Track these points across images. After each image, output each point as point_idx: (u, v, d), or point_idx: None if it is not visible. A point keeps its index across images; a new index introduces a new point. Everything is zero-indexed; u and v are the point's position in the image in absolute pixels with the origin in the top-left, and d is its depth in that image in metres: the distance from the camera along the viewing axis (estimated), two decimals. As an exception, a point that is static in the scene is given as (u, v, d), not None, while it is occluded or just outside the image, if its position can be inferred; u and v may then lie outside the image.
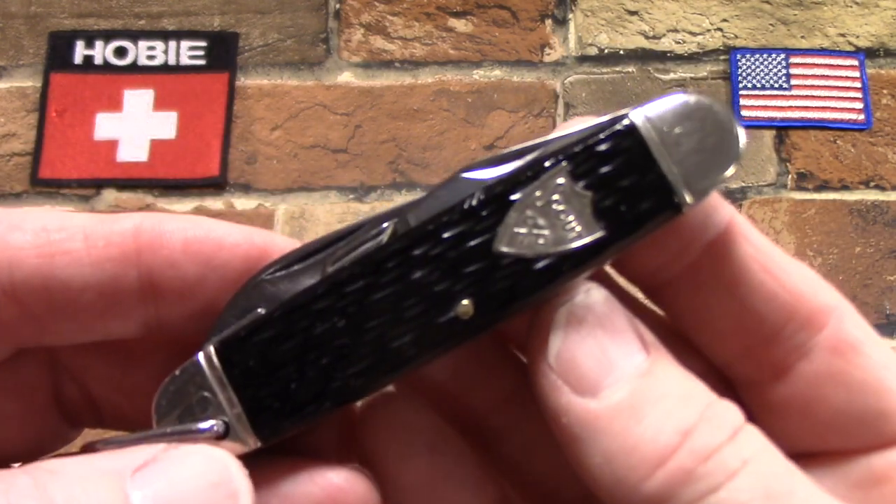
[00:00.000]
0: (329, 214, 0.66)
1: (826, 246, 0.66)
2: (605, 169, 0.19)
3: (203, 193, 0.67)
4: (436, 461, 0.23)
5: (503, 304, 0.19)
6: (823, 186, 0.67)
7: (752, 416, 0.23)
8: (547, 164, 0.19)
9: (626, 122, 0.19)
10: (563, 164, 0.19)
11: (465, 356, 0.23)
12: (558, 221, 0.19)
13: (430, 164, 0.68)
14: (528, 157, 0.20)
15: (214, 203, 0.67)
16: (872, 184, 0.68)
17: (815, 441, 0.22)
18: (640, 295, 0.22)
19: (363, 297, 0.19)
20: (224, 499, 0.18)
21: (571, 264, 0.19)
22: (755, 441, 0.18)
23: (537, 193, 0.19)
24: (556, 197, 0.19)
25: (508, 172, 0.19)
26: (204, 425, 0.19)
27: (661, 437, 0.18)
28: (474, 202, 0.19)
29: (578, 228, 0.19)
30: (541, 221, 0.19)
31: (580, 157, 0.19)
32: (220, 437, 0.19)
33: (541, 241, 0.19)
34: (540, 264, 0.19)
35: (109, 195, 0.67)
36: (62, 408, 0.23)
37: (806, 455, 0.22)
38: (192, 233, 0.20)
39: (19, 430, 0.20)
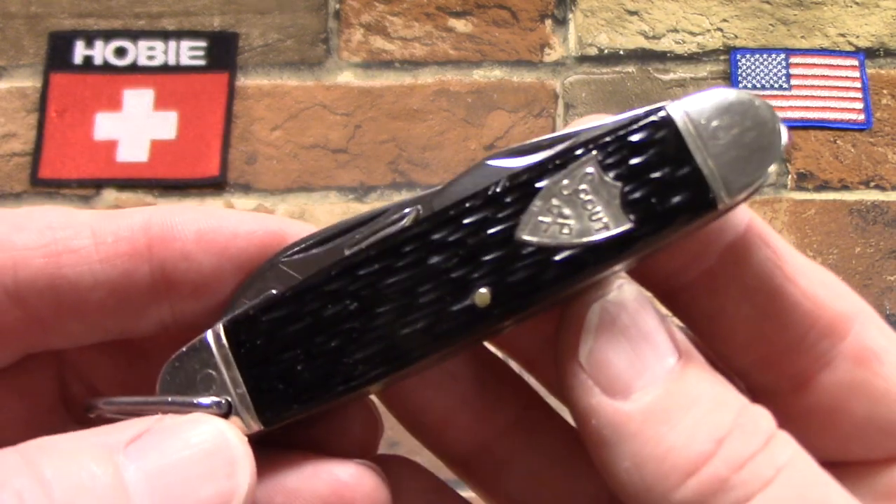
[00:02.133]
0: (329, 214, 0.66)
1: (826, 246, 0.66)
2: (637, 160, 0.18)
3: (203, 193, 0.67)
4: None
5: (522, 294, 0.18)
6: (823, 186, 0.67)
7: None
8: (576, 152, 0.18)
9: (662, 112, 0.18)
10: (594, 153, 0.18)
11: (472, 383, 0.23)
12: (584, 212, 0.18)
13: (430, 164, 0.68)
14: (557, 147, 0.19)
15: (214, 203, 0.67)
16: (872, 184, 0.68)
17: (837, 452, 0.21)
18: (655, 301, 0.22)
19: (377, 280, 0.19)
20: (221, 467, 0.17)
21: (596, 257, 0.18)
22: (788, 448, 0.18)
23: (564, 182, 0.18)
24: (583, 186, 0.18)
25: (535, 161, 0.19)
26: (205, 401, 0.19)
27: (694, 444, 0.17)
28: (498, 188, 0.18)
29: (605, 220, 0.18)
30: (566, 211, 0.18)
31: (611, 146, 0.18)
32: (221, 416, 0.19)
33: (565, 230, 0.18)
34: (562, 255, 0.18)
35: (109, 195, 0.66)
36: (69, 406, 0.22)
37: (827, 465, 0.22)
38: (204, 223, 0.20)
39: (25, 430, 0.19)
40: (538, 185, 0.18)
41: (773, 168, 0.18)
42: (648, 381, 0.18)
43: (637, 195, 0.18)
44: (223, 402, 0.19)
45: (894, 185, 0.67)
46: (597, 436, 0.18)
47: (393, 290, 0.19)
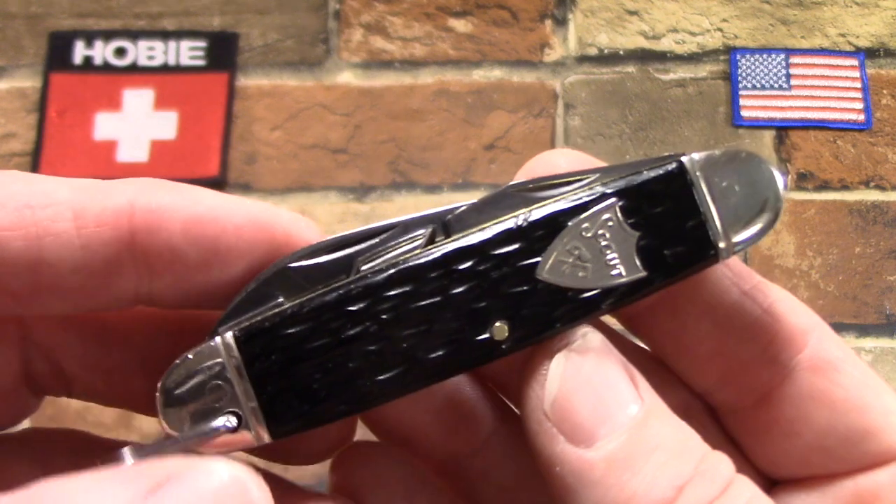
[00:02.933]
0: (329, 215, 0.66)
1: (826, 246, 0.66)
2: (652, 210, 0.19)
3: (203, 193, 0.67)
4: None
5: (538, 330, 0.19)
6: (823, 186, 0.67)
7: (737, 443, 0.23)
8: (597, 196, 0.19)
9: (676, 166, 0.19)
10: (613, 199, 0.19)
11: (445, 396, 0.23)
12: (602, 256, 0.19)
13: (430, 165, 0.68)
14: (577, 184, 0.20)
15: (214, 203, 0.67)
16: (872, 184, 0.67)
17: (800, 464, 0.22)
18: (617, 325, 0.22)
19: (401, 304, 0.19)
20: None
21: (610, 300, 0.19)
22: (747, 492, 0.18)
23: (585, 225, 0.19)
24: (602, 231, 0.19)
25: (558, 199, 0.19)
26: (216, 424, 0.19)
27: (655, 491, 0.17)
28: (523, 224, 0.19)
29: (621, 266, 0.19)
30: (586, 254, 0.19)
31: (629, 194, 0.19)
32: (230, 432, 0.19)
33: (582, 273, 0.19)
34: (580, 297, 0.19)
35: (109, 195, 0.67)
36: (29, 382, 0.22)
37: (793, 480, 0.22)
38: (192, 211, 0.19)
39: None
40: (561, 224, 0.19)
41: (770, 230, 0.20)
42: (611, 428, 0.18)
43: (650, 245, 0.19)
44: (232, 418, 0.19)
45: (894, 185, 0.67)
46: (561, 483, 0.18)
47: (414, 316, 0.19)
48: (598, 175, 0.20)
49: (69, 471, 0.20)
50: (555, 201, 0.19)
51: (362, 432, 0.24)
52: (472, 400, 0.23)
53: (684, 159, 0.19)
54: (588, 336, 0.19)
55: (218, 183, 0.67)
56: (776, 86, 0.69)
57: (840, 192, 0.67)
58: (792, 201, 0.67)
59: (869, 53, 0.70)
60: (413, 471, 0.23)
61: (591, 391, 0.19)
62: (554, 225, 0.19)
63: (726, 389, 0.22)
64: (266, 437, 0.19)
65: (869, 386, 0.21)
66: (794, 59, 0.70)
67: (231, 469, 0.17)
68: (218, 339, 0.19)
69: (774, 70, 0.70)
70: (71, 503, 0.15)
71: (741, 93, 0.69)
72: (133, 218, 0.18)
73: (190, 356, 0.19)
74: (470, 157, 0.68)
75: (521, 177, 0.21)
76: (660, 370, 0.24)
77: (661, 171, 0.19)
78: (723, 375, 0.22)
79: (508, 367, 0.21)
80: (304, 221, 0.20)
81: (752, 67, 0.70)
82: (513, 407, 0.24)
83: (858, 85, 0.69)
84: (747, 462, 0.23)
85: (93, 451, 0.23)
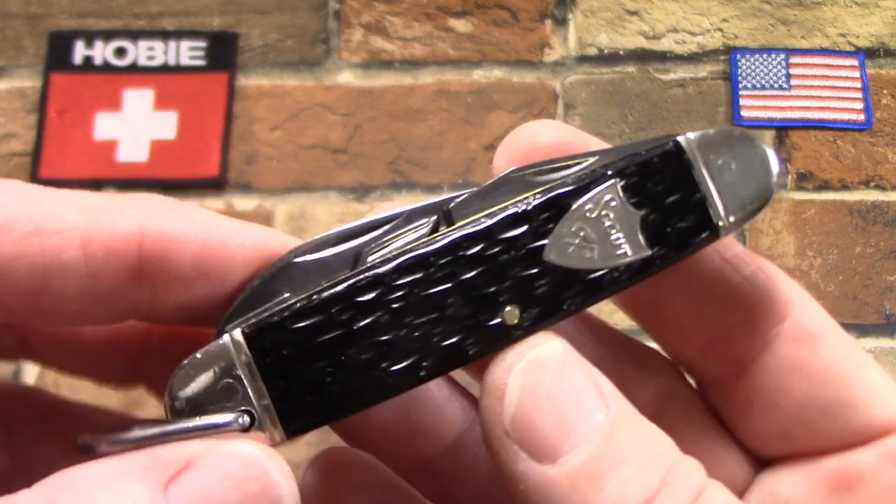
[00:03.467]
0: (329, 215, 0.66)
1: (826, 246, 0.66)
2: (652, 188, 0.19)
3: (203, 193, 0.67)
4: None
5: (548, 313, 0.19)
6: (823, 186, 0.67)
7: (721, 417, 0.23)
8: (600, 176, 0.19)
9: (673, 145, 0.20)
10: (615, 179, 0.19)
11: (409, 397, 0.23)
12: (607, 236, 0.19)
13: (430, 165, 0.68)
14: (578, 167, 0.20)
15: (214, 203, 0.67)
16: (872, 184, 0.67)
17: (783, 439, 0.21)
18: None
19: (411, 293, 0.19)
20: None
21: (618, 280, 0.19)
22: (718, 500, 0.18)
23: (588, 206, 0.19)
24: (605, 211, 0.19)
25: (560, 181, 0.20)
26: (226, 418, 0.18)
27: None
28: (528, 207, 0.19)
29: (626, 245, 0.19)
30: (591, 235, 0.19)
31: (630, 173, 0.19)
32: (243, 430, 0.18)
33: (588, 254, 0.19)
34: (588, 277, 0.19)
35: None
36: None
37: (779, 459, 0.22)
38: (203, 242, 0.18)
39: None
40: (565, 206, 0.19)
41: (769, 203, 0.20)
42: (575, 443, 0.17)
43: (652, 223, 0.19)
44: (245, 416, 0.18)
45: (894, 185, 0.67)
46: (526, 501, 0.18)
47: (426, 304, 0.19)
48: (597, 157, 0.20)
49: (36, 439, 0.20)
50: (557, 184, 0.19)
51: (334, 440, 0.23)
52: (438, 399, 0.23)
53: (680, 138, 0.20)
54: (548, 344, 0.19)
55: (218, 183, 0.67)
56: (776, 86, 0.69)
57: (840, 192, 0.67)
58: (792, 201, 0.67)
59: (869, 53, 0.70)
60: (385, 477, 0.23)
61: (553, 405, 0.18)
62: (558, 207, 0.19)
63: (709, 360, 0.22)
64: (279, 437, 0.19)
65: (852, 359, 0.20)
66: (794, 59, 0.70)
67: (251, 449, 0.17)
68: (226, 336, 0.19)
69: (774, 70, 0.70)
70: (90, 499, 0.14)
71: (741, 93, 0.69)
72: (142, 246, 0.18)
73: (198, 356, 0.19)
74: (470, 157, 0.68)
75: (504, 149, 0.21)
76: (642, 355, 0.23)
77: (658, 151, 0.20)
78: (705, 345, 0.21)
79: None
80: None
81: (752, 67, 0.70)
82: None
83: (858, 85, 0.69)
84: (734, 445, 0.23)
85: (59, 416, 0.22)
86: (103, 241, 0.18)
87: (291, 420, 0.19)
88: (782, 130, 0.68)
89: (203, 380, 0.18)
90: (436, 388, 0.23)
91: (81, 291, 0.18)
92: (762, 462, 0.23)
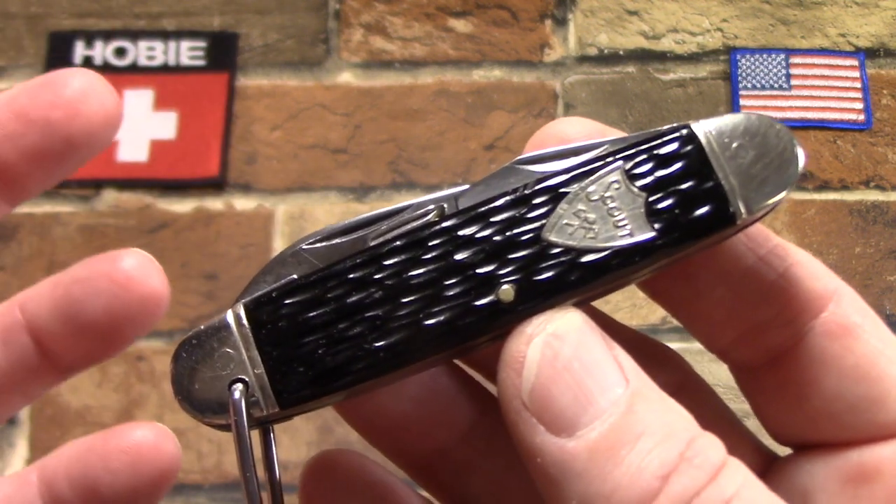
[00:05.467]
0: (329, 215, 0.66)
1: (826, 246, 0.66)
2: (661, 172, 0.19)
3: (203, 193, 0.67)
4: None
5: (546, 293, 0.19)
6: (823, 186, 0.67)
7: (750, 401, 0.23)
8: (604, 161, 0.19)
9: (685, 130, 0.19)
10: (620, 163, 0.19)
11: (424, 385, 0.23)
12: (610, 218, 0.19)
13: (430, 165, 0.68)
14: (586, 155, 0.20)
15: (214, 203, 0.67)
16: (872, 184, 0.68)
17: (810, 430, 0.21)
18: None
19: (403, 270, 0.19)
20: None
21: (619, 262, 0.19)
22: (738, 477, 0.17)
23: (591, 189, 0.19)
24: (609, 194, 0.19)
25: (564, 166, 0.19)
26: (229, 397, 0.19)
27: (640, 482, 0.17)
28: (527, 190, 0.19)
29: (630, 227, 0.19)
30: (592, 216, 0.19)
31: (638, 157, 0.19)
32: (240, 399, 0.19)
33: (590, 234, 0.19)
34: (587, 258, 0.19)
35: (109, 195, 0.67)
36: None
37: (803, 445, 0.22)
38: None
39: None
40: (565, 189, 0.19)
41: (788, 190, 0.19)
42: (593, 416, 0.17)
43: (661, 206, 0.19)
44: (240, 386, 0.19)
45: (894, 185, 0.67)
46: (543, 474, 0.18)
47: (418, 282, 0.19)
48: (606, 145, 0.20)
49: None
50: (560, 169, 0.19)
51: (334, 441, 0.23)
52: (451, 390, 0.23)
53: (694, 125, 0.19)
54: (567, 317, 0.18)
55: (218, 183, 0.67)
56: (776, 86, 0.69)
57: (840, 192, 0.67)
58: (792, 201, 0.67)
59: (869, 53, 0.70)
60: (380, 478, 0.23)
61: (571, 377, 0.18)
62: (559, 190, 0.19)
63: (741, 349, 0.22)
64: (272, 407, 0.19)
65: (883, 354, 0.20)
66: (794, 59, 0.70)
67: None
68: (230, 311, 0.19)
69: (774, 70, 0.70)
70: None
71: (741, 93, 0.69)
72: None
73: (202, 327, 0.20)
74: (470, 157, 0.68)
75: (530, 148, 0.21)
76: (652, 349, 0.23)
77: (670, 136, 0.19)
78: (738, 336, 0.21)
79: (494, 354, 0.20)
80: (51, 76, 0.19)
81: (752, 67, 0.70)
82: (495, 395, 0.23)
83: (858, 85, 0.69)
84: (746, 437, 0.23)
85: None
86: None
87: (283, 390, 0.19)
88: (782, 130, 0.68)
89: (204, 348, 0.19)
90: (448, 379, 0.23)
91: None
92: (772, 457, 0.23)
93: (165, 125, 0.68)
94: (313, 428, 0.59)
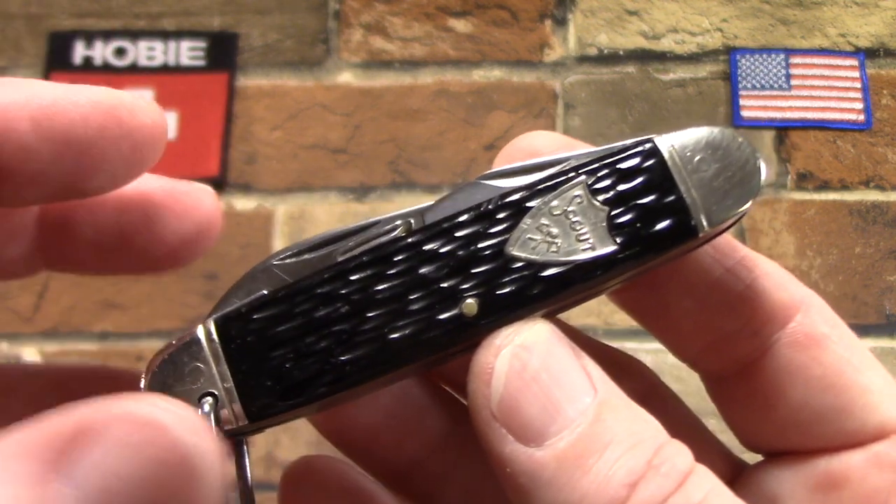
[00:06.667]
0: (329, 215, 0.66)
1: (826, 246, 0.66)
2: (623, 186, 0.19)
3: (203, 193, 0.67)
4: None
5: (508, 307, 0.19)
6: (823, 186, 0.67)
7: (720, 409, 0.23)
8: (566, 176, 0.19)
9: (649, 144, 0.19)
10: (583, 177, 0.19)
11: (395, 397, 0.22)
12: (572, 232, 0.19)
13: (430, 165, 0.68)
14: (548, 171, 0.20)
15: (214, 203, 0.67)
16: (872, 184, 0.68)
17: (779, 438, 0.21)
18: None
19: (368, 285, 0.19)
20: (180, 481, 0.13)
21: (580, 275, 0.19)
22: (705, 484, 0.17)
23: (554, 203, 0.19)
24: (572, 208, 0.19)
25: (527, 182, 0.20)
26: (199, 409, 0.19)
27: (608, 490, 0.17)
28: (491, 206, 0.19)
29: (592, 240, 0.19)
30: (555, 230, 0.19)
31: (600, 171, 0.19)
32: (209, 414, 0.19)
33: (552, 248, 0.19)
34: (549, 271, 0.19)
35: (109, 195, 0.67)
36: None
37: (774, 454, 0.22)
38: (38, 105, 0.18)
39: None
40: (529, 203, 0.19)
41: (750, 203, 0.19)
42: (562, 425, 0.17)
43: (623, 220, 0.19)
44: (210, 399, 0.19)
45: (894, 185, 0.67)
46: (513, 484, 0.18)
47: (383, 296, 0.19)
48: (572, 160, 0.20)
49: None
50: (524, 185, 0.20)
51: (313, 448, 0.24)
52: (422, 401, 0.23)
53: (657, 138, 0.19)
54: (535, 328, 0.18)
55: (218, 183, 0.67)
56: (776, 86, 0.69)
57: (840, 192, 0.67)
58: (792, 201, 0.67)
59: (869, 53, 0.70)
60: (358, 484, 0.23)
61: (539, 387, 0.18)
62: (522, 205, 0.19)
63: (710, 358, 0.22)
64: (242, 419, 0.19)
65: (850, 364, 0.20)
66: (794, 59, 0.70)
67: (143, 405, 0.14)
68: (200, 326, 0.20)
69: (774, 70, 0.70)
70: None
71: (741, 93, 0.69)
72: None
73: (174, 342, 0.20)
74: (470, 157, 0.68)
75: (500, 161, 0.21)
76: (618, 359, 0.23)
77: (632, 150, 0.19)
78: (706, 346, 0.21)
79: (462, 367, 0.21)
80: (147, 101, 0.19)
81: (752, 67, 0.70)
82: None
83: (858, 85, 0.69)
84: (715, 444, 0.23)
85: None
86: None
87: (252, 404, 0.19)
88: (782, 130, 0.68)
89: (175, 362, 0.20)
90: (420, 390, 0.23)
91: None
92: (740, 465, 0.23)
93: (165, 125, 0.68)
94: (313, 428, 0.59)
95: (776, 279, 0.21)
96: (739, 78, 0.70)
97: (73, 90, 0.18)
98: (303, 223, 0.66)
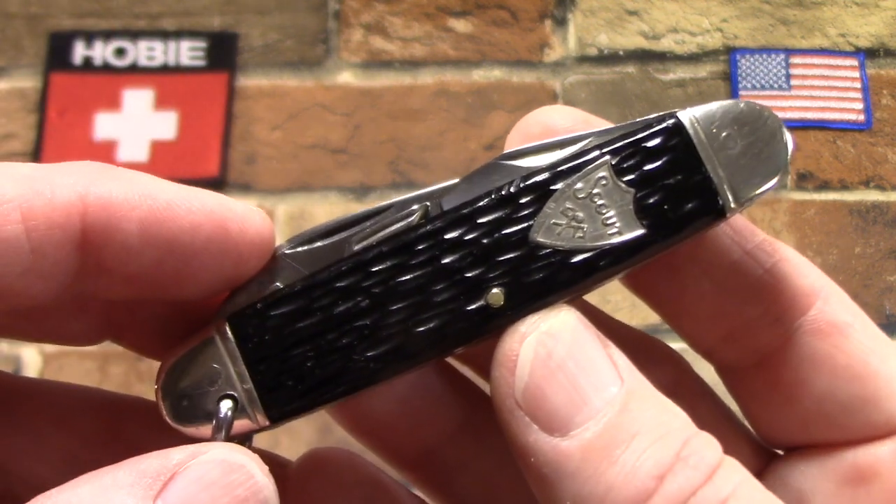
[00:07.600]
0: (329, 215, 0.66)
1: (826, 246, 0.66)
2: (649, 166, 0.18)
3: (203, 193, 0.67)
4: None
5: (536, 295, 0.18)
6: (823, 186, 0.67)
7: (739, 403, 0.23)
8: (590, 156, 0.18)
9: (672, 120, 0.19)
10: (607, 157, 0.18)
11: (411, 385, 0.22)
12: (598, 216, 0.18)
13: (430, 165, 0.68)
14: (571, 148, 0.19)
15: (214, 203, 0.67)
16: (872, 184, 0.67)
17: (800, 430, 0.21)
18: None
19: (390, 277, 0.18)
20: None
21: (609, 261, 0.18)
22: (734, 476, 0.17)
23: (578, 185, 0.18)
24: (597, 191, 0.18)
25: (549, 162, 0.19)
26: (220, 413, 0.18)
27: (635, 482, 0.16)
28: (513, 189, 0.18)
29: (619, 225, 0.18)
30: (580, 214, 0.18)
31: (625, 151, 0.18)
32: (230, 416, 0.18)
33: (579, 234, 0.18)
34: (577, 258, 0.18)
35: (109, 195, 0.66)
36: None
37: (795, 448, 0.21)
38: (148, 209, 0.17)
39: None
40: (552, 187, 0.18)
41: (778, 178, 0.18)
42: (588, 415, 0.17)
43: (649, 201, 0.18)
44: (229, 402, 0.18)
45: (894, 185, 0.67)
46: (537, 474, 0.17)
47: (406, 289, 0.18)
48: (591, 138, 0.19)
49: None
50: (544, 166, 0.19)
51: (333, 441, 0.23)
52: (438, 389, 0.23)
53: (681, 114, 0.19)
54: (561, 315, 0.18)
55: (218, 183, 0.67)
56: (776, 86, 0.69)
57: (840, 193, 0.67)
58: (792, 201, 0.67)
59: (869, 53, 0.70)
60: (371, 475, 0.23)
61: (565, 376, 0.17)
62: (546, 188, 0.18)
63: (728, 349, 0.21)
64: (262, 420, 0.19)
65: (875, 352, 0.20)
66: (794, 60, 0.70)
67: (233, 454, 0.16)
68: (213, 324, 0.19)
69: (774, 70, 0.70)
70: None
71: (741, 93, 0.69)
72: (85, 216, 0.17)
73: (187, 342, 0.19)
74: (470, 157, 0.68)
75: (513, 136, 0.20)
76: (647, 346, 0.23)
77: (656, 127, 0.19)
78: (724, 335, 0.21)
79: (489, 349, 0.20)
80: (258, 214, 0.19)
81: (752, 67, 0.70)
82: (485, 393, 0.23)
83: (858, 85, 0.69)
84: (743, 435, 0.23)
85: (19, 399, 0.22)
86: (44, 212, 0.17)
87: (272, 404, 0.19)
88: (782, 130, 0.68)
89: (190, 365, 0.19)
90: (436, 377, 0.23)
91: (25, 268, 0.16)
92: (771, 454, 0.22)
93: (165, 125, 0.68)
94: (313, 428, 0.59)
95: (796, 265, 0.20)
96: (739, 78, 0.69)
97: (187, 195, 0.18)
98: (303, 223, 0.66)
